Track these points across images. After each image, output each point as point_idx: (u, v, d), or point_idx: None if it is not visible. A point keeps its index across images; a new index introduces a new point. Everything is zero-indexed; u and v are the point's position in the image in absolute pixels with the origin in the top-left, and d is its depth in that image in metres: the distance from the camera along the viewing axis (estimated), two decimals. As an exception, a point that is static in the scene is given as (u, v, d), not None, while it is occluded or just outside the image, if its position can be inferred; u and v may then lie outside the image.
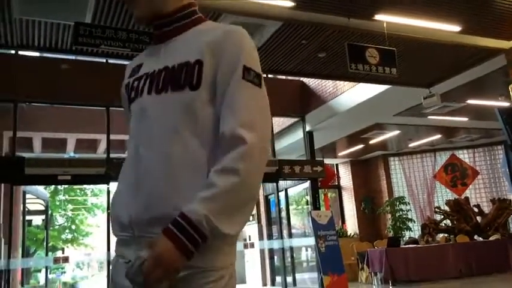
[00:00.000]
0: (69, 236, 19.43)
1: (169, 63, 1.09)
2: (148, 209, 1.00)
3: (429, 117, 9.89)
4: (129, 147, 1.13)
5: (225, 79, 1.03)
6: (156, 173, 1.02)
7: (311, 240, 8.73)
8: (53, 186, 15.67)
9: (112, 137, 8.39)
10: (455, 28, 5.87)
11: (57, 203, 18.46)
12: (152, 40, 1.20)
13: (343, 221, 13.48)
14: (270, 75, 9.15)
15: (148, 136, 1.06)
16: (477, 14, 5.68)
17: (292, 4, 5.03)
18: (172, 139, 1.03)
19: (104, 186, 9.18)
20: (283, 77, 9.50)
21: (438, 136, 11.88)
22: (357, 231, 12.86)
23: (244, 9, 5.01)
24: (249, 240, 11.48)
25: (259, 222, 11.86)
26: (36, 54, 7.22)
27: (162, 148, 1.03)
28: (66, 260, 8.73)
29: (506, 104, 8.10)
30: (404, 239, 11.20)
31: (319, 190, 9.79)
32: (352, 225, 13.18)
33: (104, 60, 7.69)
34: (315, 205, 9.13)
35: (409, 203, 12.63)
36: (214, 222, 0.92)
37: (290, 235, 10.38)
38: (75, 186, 17.26)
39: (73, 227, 19.40)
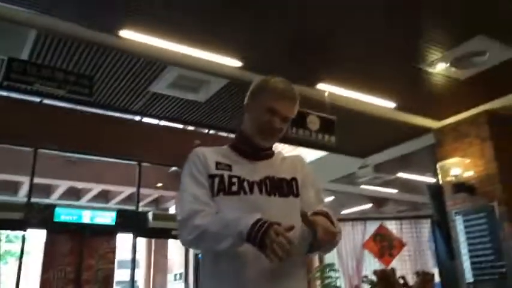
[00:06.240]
0: (-26, 285, 17.43)
1: (269, 174, 1.64)
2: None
3: (362, 186, 10.17)
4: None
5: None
6: None
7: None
8: (-39, 229, 14.18)
9: (36, 180, 7.84)
10: (391, 104, 6.18)
11: (-36, 247, 16.70)
12: (242, 155, 1.69)
13: (273, 285, 13.15)
14: (211, 131, 9.10)
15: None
16: (411, 93, 6.03)
17: (240, 64, 5.08)
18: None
19: (19, 233, 8.41)
20: (225, 134, 9.46)
21: (369, 205, 12.21)
22: (286, 297, 12.55)
23: (190, 64, 4.98)
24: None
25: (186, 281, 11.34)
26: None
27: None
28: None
29: (433, 180, 8.52)
30: (331, 307, 11.06)
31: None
32: (281, 290, 12.88)
33: (38, 100, 7.29)
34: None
35: (338, 270, 12.61)
36: None
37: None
38: (-13, 230, 15.73)
39: (-21, 275, 17.46)
